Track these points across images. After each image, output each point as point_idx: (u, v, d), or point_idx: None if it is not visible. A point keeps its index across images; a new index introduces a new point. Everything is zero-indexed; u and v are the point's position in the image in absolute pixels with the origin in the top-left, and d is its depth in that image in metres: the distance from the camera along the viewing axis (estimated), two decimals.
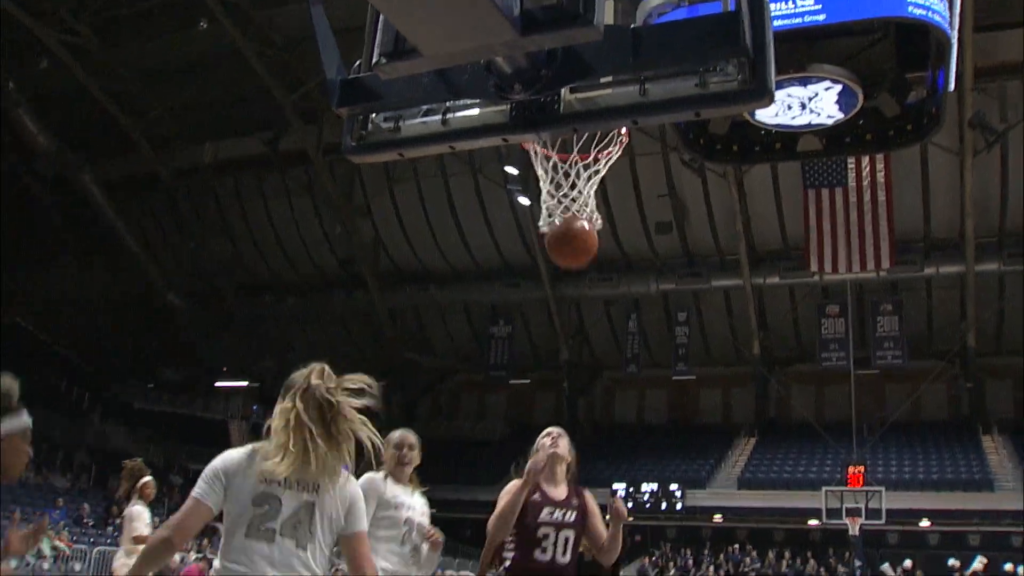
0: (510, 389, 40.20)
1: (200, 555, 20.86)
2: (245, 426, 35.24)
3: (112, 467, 30.56)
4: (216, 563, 3.31)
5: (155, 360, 41.92)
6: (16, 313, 36.67)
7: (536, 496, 4.57)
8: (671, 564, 33.06)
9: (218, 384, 42.01)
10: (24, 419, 2.99)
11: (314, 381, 3.35)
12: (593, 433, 38.02)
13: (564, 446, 4.86)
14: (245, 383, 41.21)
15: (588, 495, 4.94)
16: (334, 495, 3.31)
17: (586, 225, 4.63)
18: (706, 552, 33.31)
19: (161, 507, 23.02)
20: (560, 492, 4.71)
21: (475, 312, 39.31)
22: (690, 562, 32.95)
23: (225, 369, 41.49)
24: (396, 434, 5.30)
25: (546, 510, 4.57)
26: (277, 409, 3.37)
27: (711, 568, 32.09)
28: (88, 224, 37.80)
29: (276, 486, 3.23)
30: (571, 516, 4.62)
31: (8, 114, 33.15)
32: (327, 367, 3.46)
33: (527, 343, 39.03)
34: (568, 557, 4.51)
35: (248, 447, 3.36)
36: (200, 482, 3.31)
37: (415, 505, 5.21)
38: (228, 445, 3.46)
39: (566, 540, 4.52)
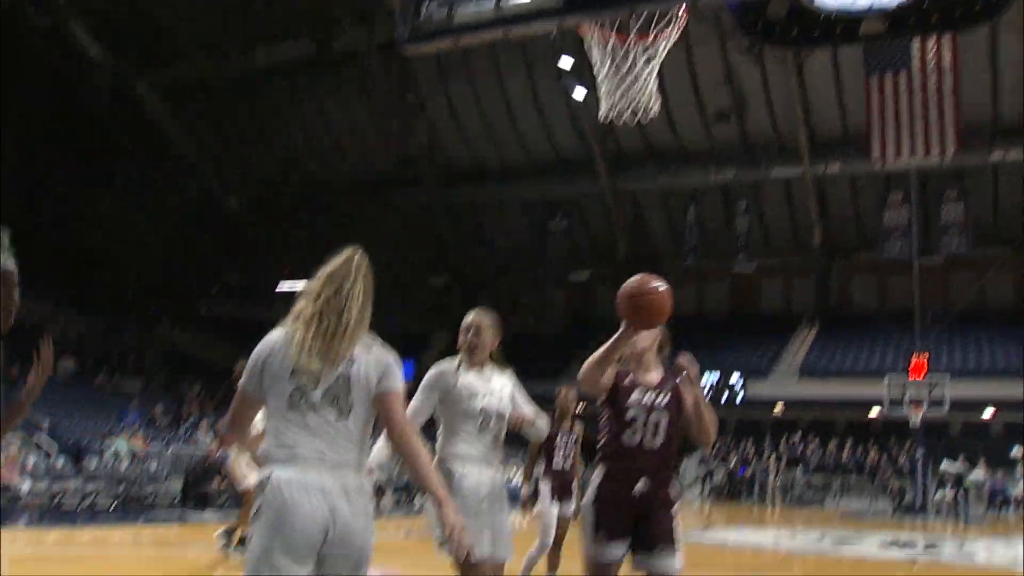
0: (569, 284, 40.27)
1: None
2: None
3: (181, 371, 31.41)
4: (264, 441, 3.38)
5: (217, 265, 42.49)
6: (82, 226, 37.19)
7: (627, 380, 4.48)
8: (732, 454, 33.33)
9: (280, 288, 42.47)
10: (7, 264, 3.03)
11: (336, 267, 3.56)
12: None
13: (645, 337, 4.56)
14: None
15: None
16: (368, 361, 3.37)
17: (660, 287, 4.17)
18: (767, 442, 33.50)
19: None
20: (653, 377, 4.55)
21: (532, 207, 39.21)
22: (751, 452, 33.17)
23: (286, 272, 41.90)
24: (467, 317, 5.12)
25: (636, 393, 4.44)
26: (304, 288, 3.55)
27: (772, 458, 32.29)
28: (145, 133, 38.05)
29: (310, 360, 3.31)
30: (663, 399, 4.46)
31: (60, 28, 33.20)
32: (360, 251, 3.61)
33: (584, 237, 38.93)
34: (659, 441, 4.39)
35: (282, 327, 3.47)
36: (243, 373, 3.43)
37: (492, 391, 5.00)
38: None
39: (657, 423, 4.39)
